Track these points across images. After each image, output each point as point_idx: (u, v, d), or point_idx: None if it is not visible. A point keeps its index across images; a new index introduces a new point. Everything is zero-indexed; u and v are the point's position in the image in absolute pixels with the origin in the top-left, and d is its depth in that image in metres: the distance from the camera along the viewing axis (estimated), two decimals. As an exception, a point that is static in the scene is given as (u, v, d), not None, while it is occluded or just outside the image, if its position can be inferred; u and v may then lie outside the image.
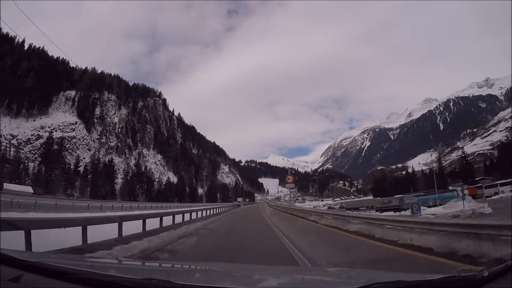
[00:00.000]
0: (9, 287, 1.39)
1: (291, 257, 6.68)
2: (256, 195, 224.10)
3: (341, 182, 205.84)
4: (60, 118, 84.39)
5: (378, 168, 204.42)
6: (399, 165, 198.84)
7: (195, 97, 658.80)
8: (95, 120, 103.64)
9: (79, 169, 68.78)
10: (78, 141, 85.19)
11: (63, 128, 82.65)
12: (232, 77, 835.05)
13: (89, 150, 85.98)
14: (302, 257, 6.50)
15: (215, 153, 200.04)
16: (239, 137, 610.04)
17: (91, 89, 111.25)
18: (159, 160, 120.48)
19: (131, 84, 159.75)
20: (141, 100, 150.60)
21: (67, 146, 79.14)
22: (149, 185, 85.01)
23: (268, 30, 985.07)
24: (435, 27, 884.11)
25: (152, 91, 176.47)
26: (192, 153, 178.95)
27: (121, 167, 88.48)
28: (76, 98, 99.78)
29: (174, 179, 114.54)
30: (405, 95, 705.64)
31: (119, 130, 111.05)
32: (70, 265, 1.74)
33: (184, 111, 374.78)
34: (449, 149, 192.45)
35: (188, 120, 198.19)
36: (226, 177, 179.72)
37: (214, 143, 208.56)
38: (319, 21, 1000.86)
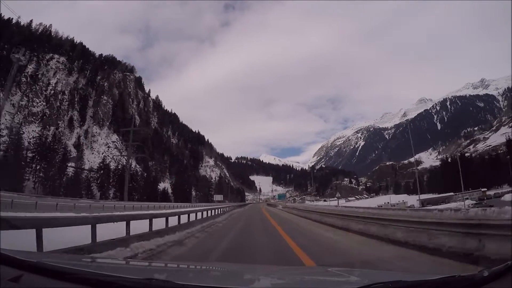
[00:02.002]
0: (9, 287, 1.36)
1: None
2: (247, 193, 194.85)
3: (346, 179, 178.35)
4: None
5: (388, 163, 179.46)
6: (412, 160, 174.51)
7: (188, 94, 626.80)
8: (23, 79, 72.39)
9: None
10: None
11: None
12: (226, 74, 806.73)
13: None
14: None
15: (200, 144, 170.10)
16: (231, 136, 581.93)
17: (30, 45, 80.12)
18: (113, 142, 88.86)
19: (97, 54, 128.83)
20: (103, 72, 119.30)
21: None
22: (54, 169, 52.86)
23: (264, 26, 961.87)
24: (431, 29, 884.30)
25: (123, 64, 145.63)
26: (170, 142, 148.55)
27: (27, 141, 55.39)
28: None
29: (138, 168, 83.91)
30: (399, 95, 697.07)
31: (51, 92, 78.92)
32: (70, 265, 1.72)
33: (176, 108, 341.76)
34: (468, 141, 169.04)
35: (181, 118, 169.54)
36: (211, 171, 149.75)
37: (198, 133, 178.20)
38: (317, 19, 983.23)
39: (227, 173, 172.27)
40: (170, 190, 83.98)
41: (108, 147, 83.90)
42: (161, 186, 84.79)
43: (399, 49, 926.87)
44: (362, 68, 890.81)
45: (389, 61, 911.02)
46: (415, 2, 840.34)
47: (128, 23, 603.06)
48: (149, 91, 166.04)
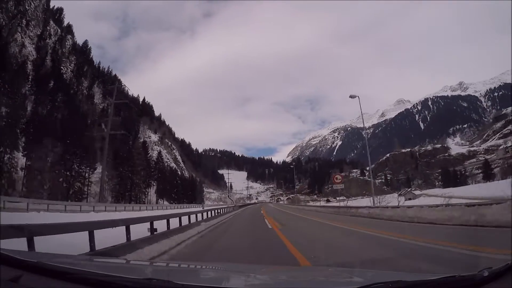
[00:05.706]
0: (9, 287, 1.35)
1: None
2: (210, 190, 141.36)
3: (354, 170, 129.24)
4: None
5: (403, 151, 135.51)
6: (437, 146, 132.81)
7: (163, 87, 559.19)
8: None
9: None
10: None
11: None
12: (203, 69, 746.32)
13: None
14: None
15: (143, 115, 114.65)
16: (204, 134, 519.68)
17: None
18: None
19: None
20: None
21: None
22: None
23: (246, 21, 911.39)
24: (410, 32, 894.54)
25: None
26: (93, 102, 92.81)
27: None
28: None
29: None
30: (376, 96, 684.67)
31: None
32: (70, 265, 1.71)
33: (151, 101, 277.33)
34: (503, 121, 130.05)
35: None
36: (151, 149, 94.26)
37: (144, 100, 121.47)
38: (300, 15, 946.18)
39: (178, 157, 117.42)
40: None
41: None
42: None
43: (377, 51, 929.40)
44: (341, 68, 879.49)
45: (367, 62, 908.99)
46: (397, 5, 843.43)
47: (104, 10, 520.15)
48: (70, 27, 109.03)
